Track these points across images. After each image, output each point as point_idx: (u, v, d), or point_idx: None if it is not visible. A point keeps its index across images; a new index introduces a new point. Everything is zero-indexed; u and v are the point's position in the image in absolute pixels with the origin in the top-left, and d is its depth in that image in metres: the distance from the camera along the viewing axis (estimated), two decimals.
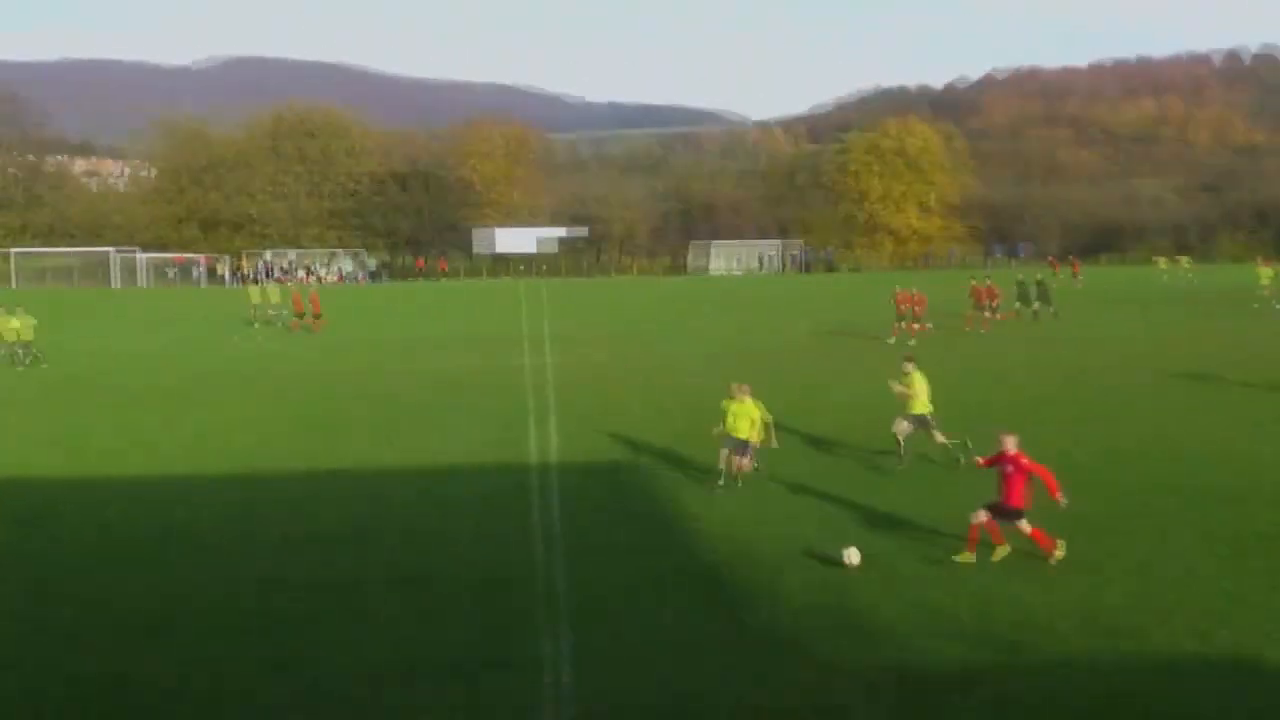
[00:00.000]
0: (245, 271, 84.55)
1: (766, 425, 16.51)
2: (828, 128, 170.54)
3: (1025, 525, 12.62)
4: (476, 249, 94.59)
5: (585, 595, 11.94)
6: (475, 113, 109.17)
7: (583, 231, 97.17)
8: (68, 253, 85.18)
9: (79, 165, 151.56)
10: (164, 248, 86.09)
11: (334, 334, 41.39)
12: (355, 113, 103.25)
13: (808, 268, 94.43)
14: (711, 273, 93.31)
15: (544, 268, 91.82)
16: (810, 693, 9.52)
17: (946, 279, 61.37)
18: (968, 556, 12.58)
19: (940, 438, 17.51)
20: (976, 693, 9.44)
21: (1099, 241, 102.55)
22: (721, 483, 16.12)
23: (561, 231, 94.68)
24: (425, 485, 17.27)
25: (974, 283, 39.92)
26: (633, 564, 13.15)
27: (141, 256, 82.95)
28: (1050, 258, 76.55)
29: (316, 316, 42.40)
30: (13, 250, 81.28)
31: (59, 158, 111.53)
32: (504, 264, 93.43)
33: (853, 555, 12.55)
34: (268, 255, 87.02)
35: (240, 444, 20.51)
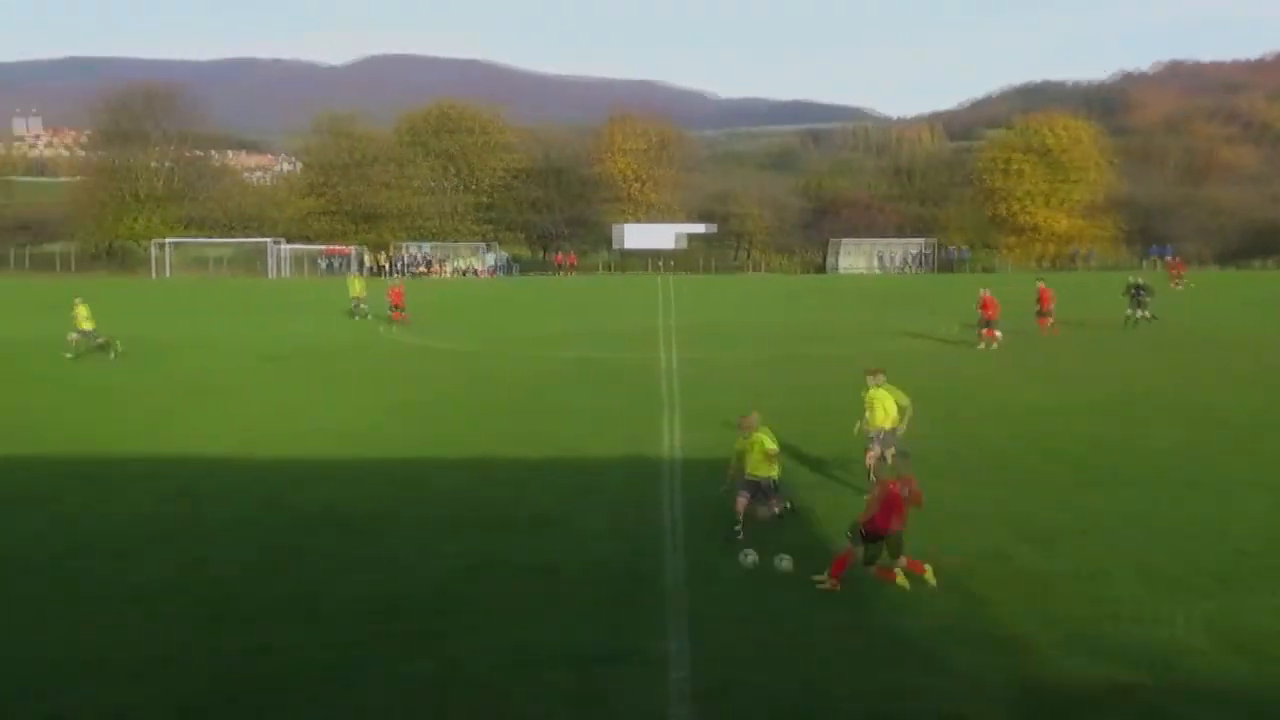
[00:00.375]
0: (394, 263, 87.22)
1: (903, 410, 16.36)
2: (971, 124, 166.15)
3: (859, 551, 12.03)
4: (616, 244, 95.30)
5: (709, 593, 11.86)
6: (616, 109, 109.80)
7: (725, 227, 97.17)
8: (228, 243, 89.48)
9: (243, 160, 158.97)
10: (318, 240, 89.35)
11: (471, 326, 42.31)
12: (498, 109, 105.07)
13: (948, 266, 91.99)
14: (848, 270, 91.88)
15: (678, 264, 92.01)
16: (944, 704, 9.24)
17: (1091, 281, 59.01)
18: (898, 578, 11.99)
19: (879, 453, 16.27)
20: (1120, 711, 9.02)
21: (1255, 244, 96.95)
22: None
23: (697, 227, 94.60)
24: (559, 475, 17.45)
25: (1040, 285, 38.41)
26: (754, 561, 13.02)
27: (295, 248, 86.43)
28: (1169, 259, 72.12)
29: (396, 308, 43.06)
30: (167, 240, 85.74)
31: (224, 153, 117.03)
32: (638, 259, 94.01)
33: (784, 562, 12.47)
34: (412, 249, 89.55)
35: (396, 431, 21.11)
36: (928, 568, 12.00)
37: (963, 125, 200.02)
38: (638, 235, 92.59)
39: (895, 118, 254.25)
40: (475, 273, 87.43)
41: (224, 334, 39.19)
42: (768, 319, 45.83)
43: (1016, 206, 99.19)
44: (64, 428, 21.36)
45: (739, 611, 11.40)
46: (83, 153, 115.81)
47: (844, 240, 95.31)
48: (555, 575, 12.49)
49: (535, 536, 14.03)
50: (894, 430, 16.17)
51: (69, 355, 31.15)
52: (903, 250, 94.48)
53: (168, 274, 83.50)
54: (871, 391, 16.46)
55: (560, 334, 39.14)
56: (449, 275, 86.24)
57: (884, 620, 11.15)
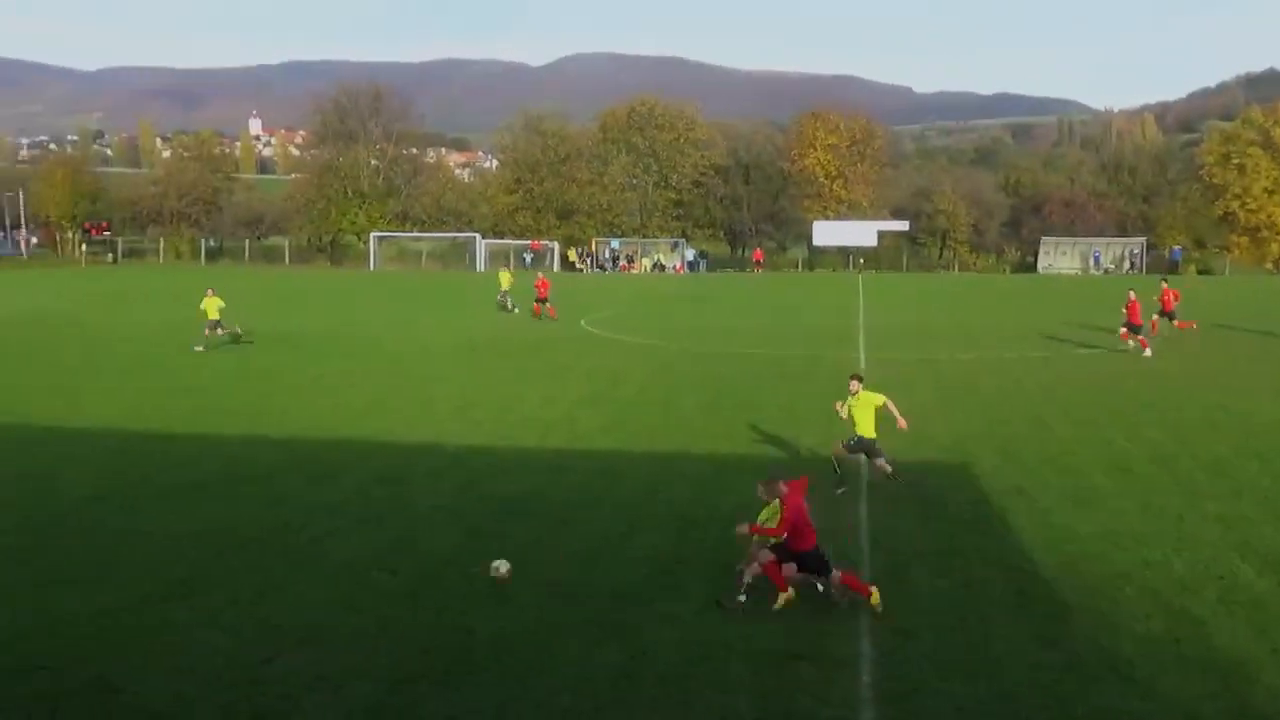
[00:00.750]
0: (594, 258, 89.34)
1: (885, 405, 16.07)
2: (1194, 115, 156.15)
3: (792, 568, 11.38)
4: (816, 241, 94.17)
5: (898, 597, 11.65)
6: (812, 104, 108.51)
7: (928, 225, 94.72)
8: (437, 238, 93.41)
9: (451, 157, 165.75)
10: (522, 234, 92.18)
11: (663, 322, 42.81)
12: (694, 105, 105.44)
13: (1166, 267, 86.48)
14: (1055, 270, 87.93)
15: (876, 262, 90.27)
16: None
17: None
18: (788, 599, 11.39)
19: (884, 465, 15.99)
20: None
21: None
22: None
23: (895, 225, 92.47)
24: (746, 473, 17.44)
25: (1165, 285, 35.75)
26: (944, 567, 12.74)
27: (498, 243, 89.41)
28: None
29: (541, 301, 43.52)
30: (373, 234, 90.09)
31: (431, 151, 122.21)
32: (834, 257, 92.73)
33: (500, 567, 12.18)
34: (614, 244, 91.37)
35: (591, 423, 21.61)
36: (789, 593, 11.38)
37: (1184, 117, 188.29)
38: (833, 232, 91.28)
39: (1106, 110, 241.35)
40: (669, 268, 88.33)
41: (430, 325, 41.00)
42: (967, 319, 44.40)
43: (1250, 204, 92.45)
44: (287, 413, 22.79)
45: (930, 618, 11.17)
46: (300, 152, 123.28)
47: (1051, 239, 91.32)
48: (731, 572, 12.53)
49: (723, 533, 14.11)
50: (874, 440, 16.05)
51: (198, 349, 32.08)
52: (1116, 249, 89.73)
53: (375, 267, 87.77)
54: (850, 401, 16.17)
55: (752, 330, 39.07)
56: (643, 271, 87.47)
57: (1087, 635, 10.69)
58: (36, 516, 14.92)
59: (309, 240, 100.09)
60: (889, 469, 16.03)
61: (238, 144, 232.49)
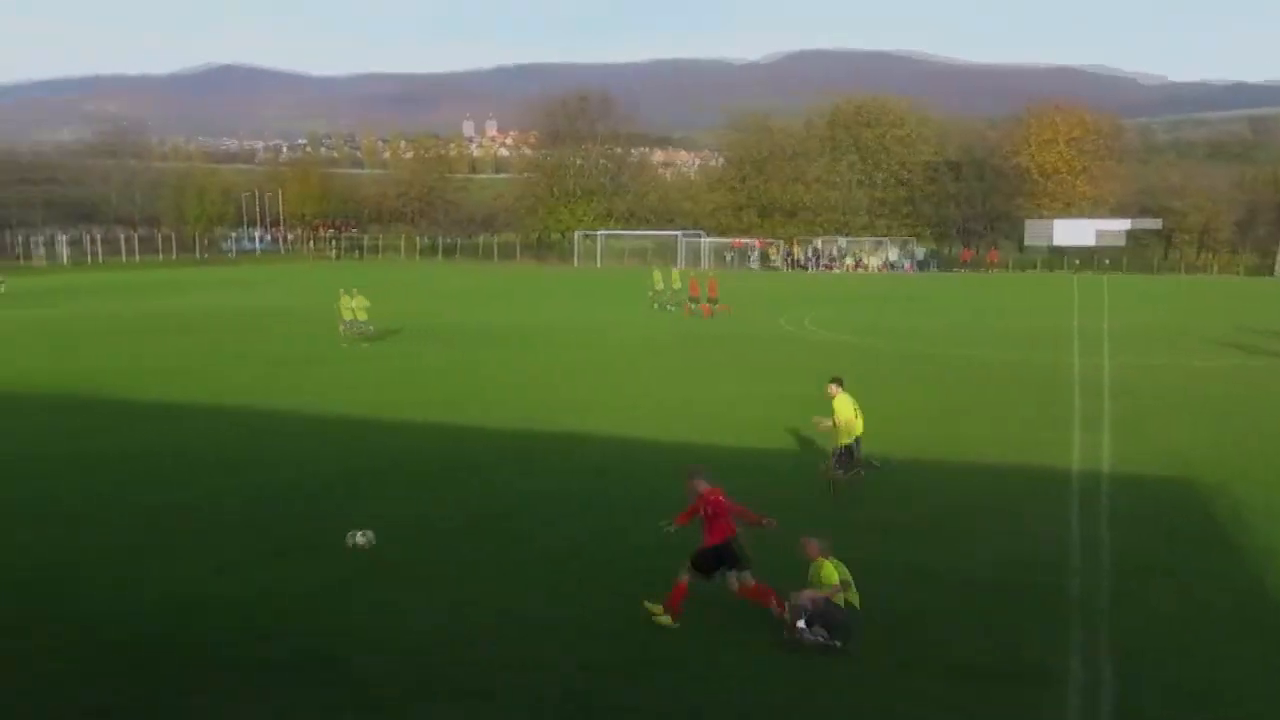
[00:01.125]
0: (795, 257, 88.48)
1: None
2: None
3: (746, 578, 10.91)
4: (1029, 240, 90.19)
5: (1124, 617, 10.98)
6: (1038, 98, 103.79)
7: (1154, 224, 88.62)
8: (642, 235, 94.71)
9: (665, 155, 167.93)
10: (724, 232, 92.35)
11: (878, 322, 42.03)
12: (913, 101, 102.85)
13: None
14: None
15: (1106, 262, 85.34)
16: None
17: None
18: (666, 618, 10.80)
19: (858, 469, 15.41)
20: None
21: None
22: None
23: (1127, 224, 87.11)
24: (955, 480, 16.87)
25: None
26: (1182, 590, 11.88)
27: (710, 240, 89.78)
28: None
29: (713, 301, 43.04)
30: (600, 232, 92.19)
31: (642, 150, 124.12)
32: (1060, 257, 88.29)
33: (357, 536, 12.82)
34: (818, 242, 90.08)
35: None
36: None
37: None
38: (1062, 231, 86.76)
39: None
40: (886, 268, 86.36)
41: (642, 321, 41.56)
42: (1206, 324, 41.37)
43: None
44: (505, 405, 23.53)
45: (1154, 640, 10.46)
46: (531, 152, 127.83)
47: None
48: (939, 583, 12.12)
49: (927, 541, 13.68)
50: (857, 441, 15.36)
51: (345, 345, 33.19)
52: None
53: (598, 264, 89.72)
54: (834, 406, 15.29)
55: (974, 332, 37.84)
56: (859, 270, 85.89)
57: None
58: (268, 494, 16.01)
59: (536, 237, 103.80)
60: (841, 474, 15.33)
61: (472, 145, 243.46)
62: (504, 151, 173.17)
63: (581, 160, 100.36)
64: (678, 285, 47.94)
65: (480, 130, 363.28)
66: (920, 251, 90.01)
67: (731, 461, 17.71)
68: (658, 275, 48.42)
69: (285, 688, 9.53)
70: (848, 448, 15.30)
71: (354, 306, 34.39)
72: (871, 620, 10.67)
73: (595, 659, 10.12)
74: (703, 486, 11.10)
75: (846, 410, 15.23)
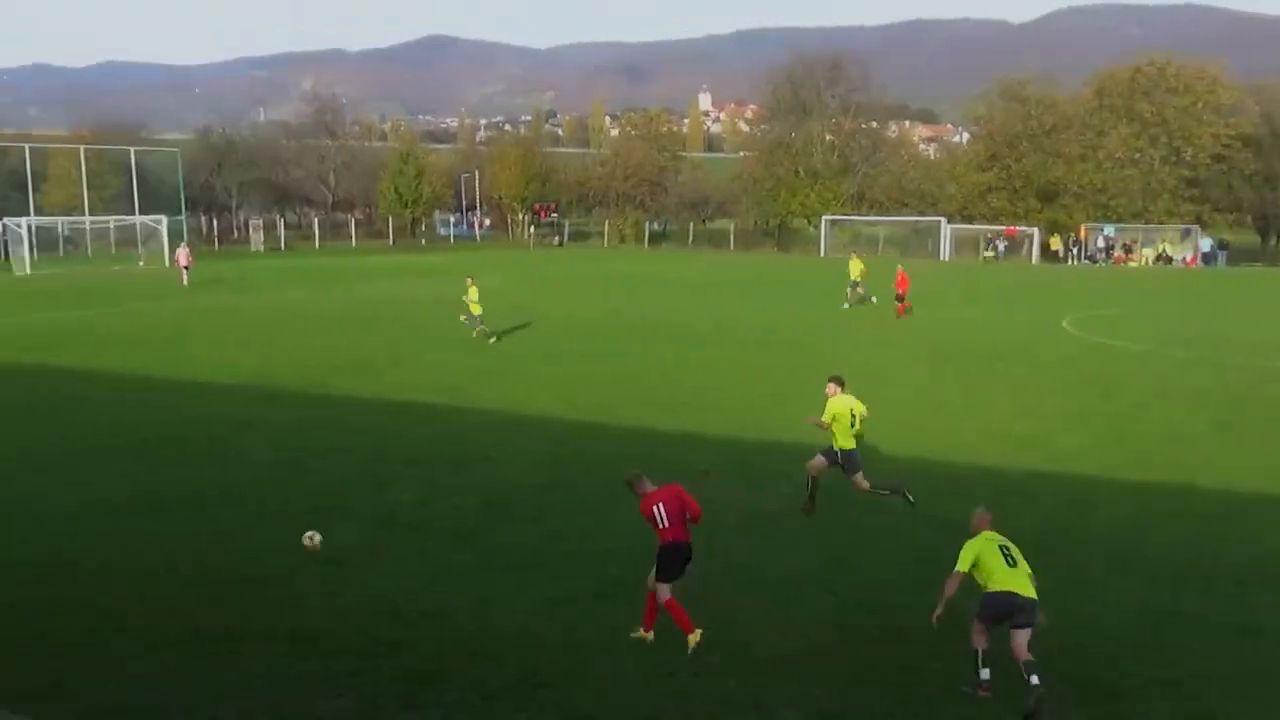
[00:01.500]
0: (1083, 246, 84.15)
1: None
2: None
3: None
4: None
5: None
6: None
7: None
8: (896, 221, 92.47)
9: (916, 131, 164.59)
10: (995, 218, 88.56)
11: (1170, 325, 40.04)
12: (1215, 63, 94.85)
13: None
14: None
15: None
16: None
17: None
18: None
19: (864, 483, 15.64)
20: None
21: None
22: None
23: None
24: (1268, 511, 15.86)
25: None
26: None
27: (964, 229, 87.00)
28: None
29: (899, 299, 41.70)
30: (827, 217, 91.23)
31: (893, 124, 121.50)
32: None
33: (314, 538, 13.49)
34: (1107, 230, 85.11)
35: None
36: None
37: None
38: None
39: None
40: (1176, 260, 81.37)
41: (885, 319, 40.92)
42: None
43: None
44: (720, 409, 23.78)
45: None
46: (750, 128, 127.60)
47: None
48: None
49: (1226, 589, 12.95)
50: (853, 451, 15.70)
51: (475, 335, 33.81)
52: None
53: (826, 253, 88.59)
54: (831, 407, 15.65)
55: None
56: (1145, 263, 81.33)
57: None
58: (491, 498, 16.82)
59: (755, 223, 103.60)
60: (867, 485, 15.72)
61: (685, 120, 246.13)
62: (744, 126, 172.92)
63: (831, 135, 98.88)
64: (855, 275, 45.30)
65: (711, 103, 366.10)
66: (1207, 243, 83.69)
67: (977, 480, 17.12)
68: (855, 265, 45.97)
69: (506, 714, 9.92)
70: (841, 451, 15.68)
71: (468, 300, 34.49)
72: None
73: (832, 702, 10.15)
74: (646, 488, 11.49)
75: (837, 412, 15.64)
